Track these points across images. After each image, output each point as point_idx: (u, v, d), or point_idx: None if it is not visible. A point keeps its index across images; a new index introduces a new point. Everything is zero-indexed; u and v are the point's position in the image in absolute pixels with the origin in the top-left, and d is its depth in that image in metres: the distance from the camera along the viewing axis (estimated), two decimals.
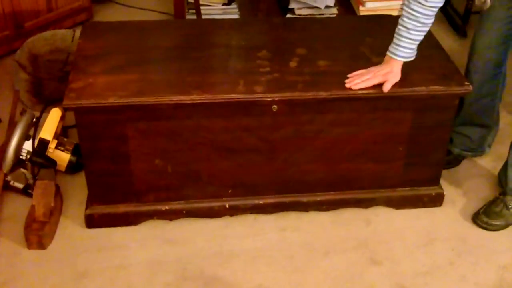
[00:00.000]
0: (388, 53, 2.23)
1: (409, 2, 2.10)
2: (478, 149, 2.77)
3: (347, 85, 2.22)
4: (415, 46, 2.19)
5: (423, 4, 2.07)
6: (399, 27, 2.16)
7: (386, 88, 2.21)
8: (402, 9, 2.14)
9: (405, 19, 2.13)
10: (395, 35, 2.19)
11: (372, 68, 2.25)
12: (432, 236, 2.46)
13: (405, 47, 2.18)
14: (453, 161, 2.77)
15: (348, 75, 2.26)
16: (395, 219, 2.53)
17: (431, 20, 2.13)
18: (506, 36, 2.42)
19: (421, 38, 2.17)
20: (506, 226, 2.50)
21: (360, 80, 2.22)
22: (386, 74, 2.22)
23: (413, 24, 2.12)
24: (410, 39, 2.16)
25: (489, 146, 2.79)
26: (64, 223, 2.46)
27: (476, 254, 2.40)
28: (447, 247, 2.42)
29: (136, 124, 2.22)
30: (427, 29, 2.15)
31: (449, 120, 2.39)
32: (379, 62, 2.35)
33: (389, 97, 2.26)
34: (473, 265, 2.36)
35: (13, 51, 3.20)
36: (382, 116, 2.32)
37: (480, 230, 2.50)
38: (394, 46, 2.20)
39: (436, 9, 2.10)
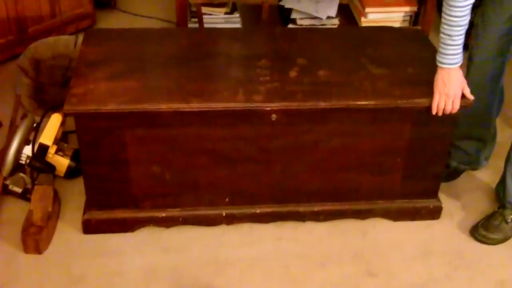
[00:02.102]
0: (437, 63, 2.23)
1: (447, 9, 2.13)
2: (475, 162, 2.76)
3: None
4: (460, 50, 2.20)
5: (459, 7, 2.10)
6: (442, 35, 2.18)
7: (456, 105, 2.25)
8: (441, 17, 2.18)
9: (446, 27, 2.15)
10: (440, 44, 2.20)
11: (437, 92, 2.24)
12: (429, 249, 2.46)
13: (451, 54, 2.19)
14: (452, 174, 2.77)
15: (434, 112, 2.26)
16: (393, 231, 2.52)
17: (468, 18, 2.15)
18: (503, 49, 2.42)
19: (462, 40, 2.18)
20: (504, 240, 2.49)
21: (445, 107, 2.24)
22: (445, 89, 2.22)
23: (455, 30, 2.14)
24: (454, 45, 2.18)
25: (486, 159, 2.79)
26: (61, 227, 2.46)
27: (473, 268, 2.39)
28: (444, 260, 2.41)
29: (135, 131, 2.22)
30: (466, 28, 2.17)
31: (449, 133, 2.39)
32: (379, 74, 2.37)
33: (388, 109, 2.27)
34: (470, 279, 2.35)
35: (16, 56, 3.20)
36: (381, 128, 2.32)
37: (478, 243, 2.49)
38: (442, 55, 2.21)
39: (470, 6, 2.12)
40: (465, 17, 2.14)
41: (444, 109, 2.25)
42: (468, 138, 2.68)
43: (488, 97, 2.54)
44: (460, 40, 2.18)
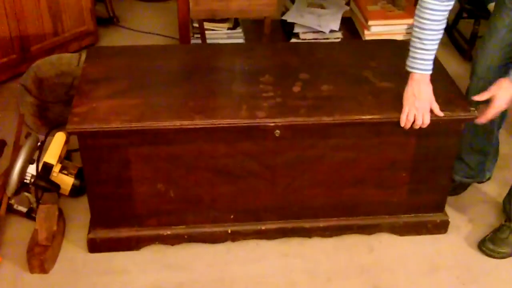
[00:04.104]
0: (406, 68, 2.21)
1: (420, 11, 2.10)
2: (478, 176, 2.75)
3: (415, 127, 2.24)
4: (431, 57, 2.17)
5: (433, 10, 2.07)
6: (413, 39, 2.16)
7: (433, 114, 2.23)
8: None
9: (417, 30, 2.13)
10: (410, 48, 2.18)
11: (406, 105, 2.23)
12: (436, 263, 2.44)
13: (420, 59, 2.16)
14: (458, 188, 2.75)
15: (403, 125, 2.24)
16: (399, 246, 2.50)
17: (443, 26, 2.12)
18: (506, 60, 2.41)
19: (435, 47, 2.15)
20: None
21: (418, 121, 2.22)
22: (415, 102, 2.20)
23: (426, 33, 2.11)
24: (424, 49, 2.14)
25: (489, 171, 2.77)
26: (66, 247, 2.45)
27: (481, 283, 2.37)
28: (451, 275, 2.39)
29: (138, 149, 2.22)
30: (439, 37, 2.14)
31: (454, 146, 2.37)
32: (383, 87, 2.36)
33: (392, 123, 2.26)
34: None
35: (19, 75, 3.21)
36: (385, 142, 2.31)
37: (486, 257, 2.47)
38: (411, 59, 2.19)
39: (447, 13, 2.09)
40: (439, 22, 2.10)
41: (414, 123, 2.22)
42: (470, 151, 2.66)
43: None
44: (431, 45, 2.14)
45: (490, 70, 2.42)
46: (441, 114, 2.23)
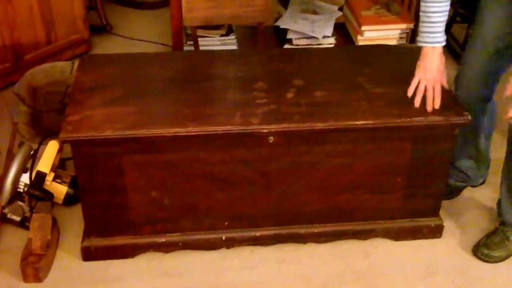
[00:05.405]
0: (417, 43, 2.26)
1: None
2: (472, 180, 2.75)
3: (429, 110, 2.25)
4: (437, 30, 2.19)
5: None
6: (420, 13, 2.20)
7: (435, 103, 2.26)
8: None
9: (422, 4, 2.18)
10: (420, 23, 2.23)
11: (417, 76, 2.26)
12: (432, 268, 2.44)
13: (427, 32, 2.20)
14: (453, 192, 2.75)
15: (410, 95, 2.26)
16: (394, 250, 2.50)
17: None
18: (490, 72, 2.40)
19: (440, 20, 2.18)
20: (506, 257, 2.47)
21: (430, 100, 2.25)
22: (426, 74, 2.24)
23: (430, 6, 2.16)
24: (429, 22, 2.18)
25: (482, 177, 2.77)
26: (60, 255, 2.44)
27: (476, 287, 2.37)
28: (447, 280, 2.39)
29: (132, 157, 2.21)
30: (444, 9, 2.17)
31: (448, 150, 2.37)
32: (376, 93, 2.36)
33: (387, 128, 2.26)
34: None
35: (13, 84, 3.20)
36: (380, 147, 2.31)
37: (481, 262, 2.47)
38: (419, 34, 2.23)
39: None
40: None
41: (427, 101, 2.24)
42: (461, 156, 2.66)
43: (476, 118, 2.47)
44: (436, 18, 2.17)
45: (472, 83, 2.45)
46: (446, 85, 2.27)
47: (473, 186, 2.80)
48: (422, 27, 2.21)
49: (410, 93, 2.27)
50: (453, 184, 2.74)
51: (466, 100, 2.41)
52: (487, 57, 2.37)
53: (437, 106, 2.26)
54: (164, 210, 2.34)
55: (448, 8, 2.18)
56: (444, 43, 2.24)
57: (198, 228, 2.41)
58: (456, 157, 2.66)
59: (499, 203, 2.54)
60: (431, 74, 2.24)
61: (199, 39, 3.29)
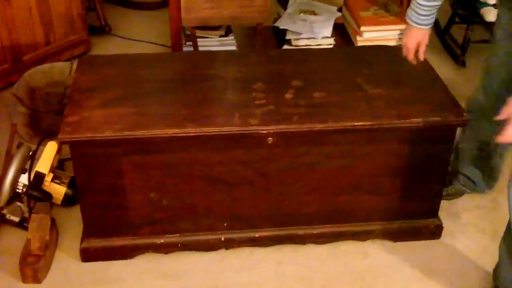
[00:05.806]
0: (406, 18, 2.32)
1: None
2: (478, 188, 2.73)
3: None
4: (424, 12, 2.23)
5: None
6: None
7: None
8: None
9: None
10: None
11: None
12: (430, 269, 2.43)
13: (414, 11, 2.25)
14: (457, 193, 2.75)
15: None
16: (393, 252, 2.50)
17: None
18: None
19: (429, 4, 2.21)
20: None
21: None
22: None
23: None
24: (417, 3, 2.22)
25: (490, 187, 2.74)
26: (59, 256, 2.44)
27: None
28: (445, 281, 2.39)
29: (131, 158, 2.21)
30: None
31: (447, 151, 2.37)
32: (375, 93, 2.37)
33: (385, 129, 2.26)
34: None
35: (11, 85, 3.20)
36: (378, 148, 2.31)
37: (479, 264, 2.46)
38: (408, 10, 2.30)
39: None
40: None
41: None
42: (471, 165, 2.66)
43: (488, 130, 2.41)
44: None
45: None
46: (422, 57, 2.37)
47: (478, 193, 2.78)
48: (412, 4, 2.26)
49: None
50: (458, 187, 2.74)
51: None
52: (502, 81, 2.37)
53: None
54: (163, 211, 2.34)
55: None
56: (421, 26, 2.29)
57: (197, 229, 2.41)
58: (467, 165, 2.66)
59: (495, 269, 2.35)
60: (405, 39, 2.35)
61: (198, 39, 3.29)
